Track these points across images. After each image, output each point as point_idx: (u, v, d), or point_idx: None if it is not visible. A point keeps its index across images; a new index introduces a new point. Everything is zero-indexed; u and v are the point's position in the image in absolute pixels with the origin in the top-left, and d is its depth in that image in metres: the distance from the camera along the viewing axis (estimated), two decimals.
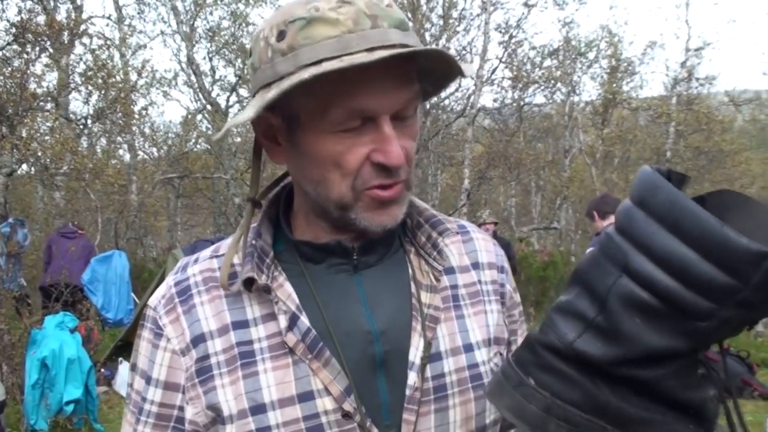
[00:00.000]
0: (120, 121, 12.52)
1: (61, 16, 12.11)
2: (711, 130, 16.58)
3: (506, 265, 1.20)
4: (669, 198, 0.71)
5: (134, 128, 14.51)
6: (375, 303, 1.01)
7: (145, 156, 18.23)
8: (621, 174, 18.63)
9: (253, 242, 1.01)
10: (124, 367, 7.47)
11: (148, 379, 1.01)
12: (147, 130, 17.20)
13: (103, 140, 16.62)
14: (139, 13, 16.95)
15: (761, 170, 18.17)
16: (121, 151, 17.20)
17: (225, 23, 17.22)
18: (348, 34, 0.88)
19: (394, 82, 0.91)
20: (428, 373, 0.99)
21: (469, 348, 1.05)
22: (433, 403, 0.99)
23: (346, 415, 0.95)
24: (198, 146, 17.56)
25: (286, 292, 0.99)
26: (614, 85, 18.13)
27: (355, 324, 0.99)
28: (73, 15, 12.34)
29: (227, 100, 17.84)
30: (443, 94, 18.23)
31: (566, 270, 14.62)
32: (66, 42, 11.62)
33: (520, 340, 1.14)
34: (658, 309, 0.72)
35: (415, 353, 0.99)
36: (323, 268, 1.02)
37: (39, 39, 10.41)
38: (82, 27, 12.04)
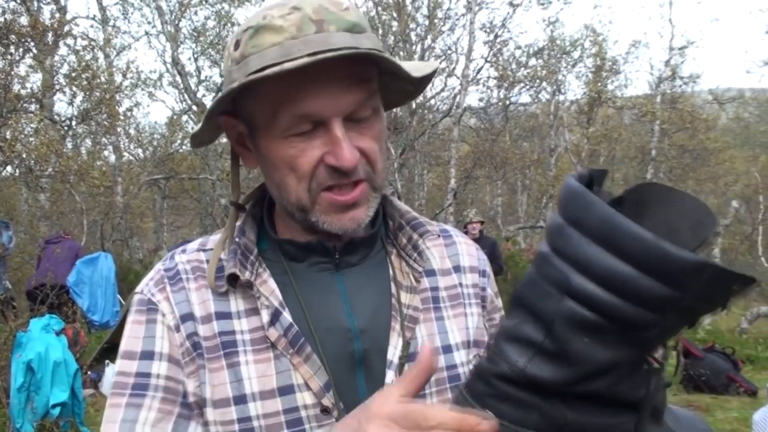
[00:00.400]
0: (105, 123, 12.47)
1: (44, 17, 12.04)
2: (695, 129, 16.69)
3: (488, 270, 1.21)
4: (602, 216, 0.71)
5: (119, 129, 14.46)
6: (355, 301, 1.03)
7: (131, 157, 18.15)
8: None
9: (237, 240, 1.03)
10: (110, 370, 7.43)
11: (150, 355, 0.99)
12: (132, 132, 17.15)
13: (88, 141, 16.53)
14: (123, 13, 16.89)
15: (745, 168, 18.28)
16: (106, 153, 17.10)
17: (210, 23, 17.20)
18: (290, 40, 0.89)
19: (341, 85, 0.91)
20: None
21: (447, 349, 1.07)
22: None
23: (325, 411, 0.96)
24: (184, 147, 17.48)
25: (269, 288, 1.01)
26: (599, 84, 18.20)
27: (335, 321, 1.00)
28: (56, 16, 12.27)
29: (213, 101, 17.81)
30: (429, 93, 18.25)
31: None
32: (50, 43, 11.56)
33: None
34: (604, 326, 0.73)
35: (394, 352, 1.01)
36: (305, 267, 1.04)
37: (23, 40, 10.35)
38: (66, 28, 11.97)
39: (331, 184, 0.95)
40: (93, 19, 14.98)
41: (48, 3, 12.72)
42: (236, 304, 1.01)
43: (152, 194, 18.83)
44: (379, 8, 15.03)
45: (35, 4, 12.03)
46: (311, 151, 0.93)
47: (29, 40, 10.74)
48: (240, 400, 0.96)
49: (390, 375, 1.00)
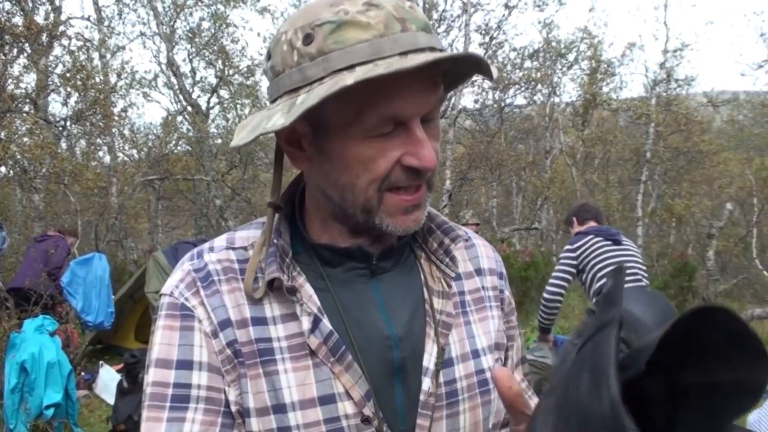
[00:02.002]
0: (100, 123, 12.43)
1: (39, 17, 12.00)
2: (690, 131, 16.73)
3: (504, 271, 1.22)
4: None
5: (114, 130, 14.41)
6: (391, 308, 1.02)
7: (125, 158, 18.10)
8: (601, 175, 18.75)
9: (275, 241, 1.00)
10: (104, 371, 7.42)
11: (188, 364, 0.95)
12: (127, 132, 17.09)
13: (83, 142, 16.50)
14: (118, 14, 16.85)
15: (739, 170, 18.31)
16: (100, 153, 17.07)
17: (205, 24, 17.16)
18: (380, 38, 0.87)
19: (425, 86, 0.91)
20: (441, 379, 1.01)
21: (476, 354, 1.07)
22: (445, 409, 1.01)
23: (366, 420, 0.95)
24: (178, 148, 17.46)
25: (307, 293, 0.99)
26: (594, 86, 18.23)
27: (374, 329, 0.99)
28: (51, 16, 12.23)
29: (208, 102, 17.78)
30: None
31: (547, 270, 14.68)
32: (44, 43, 11.52)
33: (515, 345, 1.19)
34: None
35: (430, 359, 1.00)
36: (340, 272, 1.02)
37: (17, 40, 10.32)
38: (61, 28, 11.92)
39: (400, 186, 0.94)
40: (88, 19, 14.94)
41: (43, 3, 12.68)
42: (271, 309, 0.98)
43: (147, 195, 18.79)
44: None
45: (30, 4, 12.00)
46: (391, 151, 0.92)
47: (23, 40, 10.71)
48: (279, 409, 0.94)
49: (426, 382, 0.99)
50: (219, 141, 17.72)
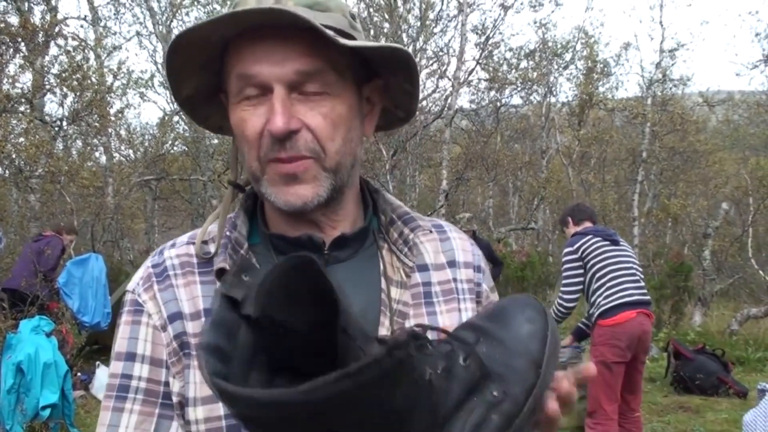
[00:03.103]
0: (96, 123, 12.41)
1: (35, 17, 11.99)
2: (685, 131, 16.76)
3: (483, 265, 1.20)
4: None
5: (110, 130, 14.39)
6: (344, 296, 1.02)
7: (122, 158, 18.09)
8: (597, 174, 18.77)
9: (228, 234, 1.03)
10: (101, 371, 7.42)
11: (132, 357, 1.00)
12: (123, 132, 17.06)
13: (79, 142, 16.46)
14: (114, 14, 16.83)
15: (734, 170, 18.35)
16: (97, 154, 17.04)
17: None
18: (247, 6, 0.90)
19: (284, 51, 0.92)
20: None
21: None
22: None
23: None
24: (175, 148, 17.44)
25: None
26: (590, 86, 18.26)
27: None
28: (47, 16, 12.22)
29: None
30: (420, 95, 18.22)
31: (543, 270, 14.71)
32: (40, 43, 11.49)
33: None
34: None
35: None
36: None
37: (13, 40, 10.30)
38: (57, 28, 11.90)
39: (275, 157, 0.94)
40: (84, 19, 14.91)
41: (38, 3, 12.66)
42: None
43: (143, 195, 18.77)
44: (371, 9, 15.04)
45: (26, 4, 11.98)
46: (256, 118, 0.94)
47: (19, 40, 10.68)
48: None
49: None
50: (215, 141, 17.70)
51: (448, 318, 1.09)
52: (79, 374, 7.33)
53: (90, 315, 7.90)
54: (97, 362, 7.72)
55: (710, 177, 18.29)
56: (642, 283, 5.00)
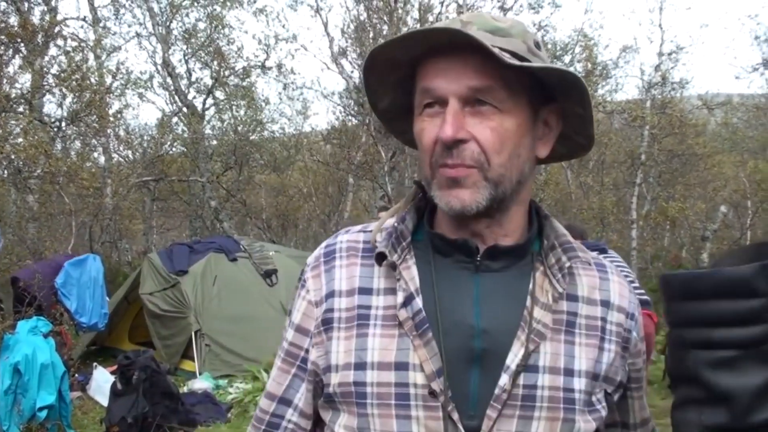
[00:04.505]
0: (95, 124, 12.41)
1: (35, 17, 12.00)
2: (684, 134, 16.76)
3: (637, 314, 1.23)
4: (681, 280, 0.92)
5: (109, 131, 14.38)
6: (486, 304, 1.09)
7: (120, 159, 18.07)
8: (596, 177, 18.77)
9: (395, 225, 1.15)
10: (98, 372, 7.41)
11: (289, 322, 1.20)
12: (122, 133, 17.05)
13: (78, 143, 16.46)
14: (114, 14, 16.83)
15: (733, 173, 18.38)
16: (95, 154, 17.03)
17: (201, 25, 17.15)
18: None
19: (460, 66, 1.03)
20: (521, 381, 1.06)
21: (569, 372, 1.09)
22: (518, 409, 1.06)
23: (432, 393, 1.04)
24: (174, 149, 17.43)
25: (410, 274, 1.11)
26: (589, 88, 18.25)
27: (461, 317, 1.08)
28: (47, 17, 12.22)
29: (203, 103, 17.76)
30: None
31: None
32: (40, 44, 11.49)
33: (638, 388, 1.26)
34: (731, 357, 0.86)
35: (513, 359, 1.06)
36: (449, 262, 1.12)
37: (12, 40, 10.30)
38: (57, 29, 11.91)
39: (443, 162, 1.05)
40: (84, 20, 14.91)
41: (38, 3, 12.67)
42: (378, 282, 1.13)
43: (142, 196, 18.75)
44: (370, 11, 15.04)
45: (25, 4, 11.98)
46: (432, 127, 1.06)
47: (19, 40, 10.69)
48: (360, 366, 1.08)
49: (504, 378, 1.05)
50: (214, 142, 17.70)
51: (585, 351, 1.11)
52: (76, 375, 7.32)
53: (87, 316, 7.90)
54: (95, 363, 7.71)
55: (709, 180, 18.29)
56: (637, 283, 5.01)
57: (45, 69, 11.99)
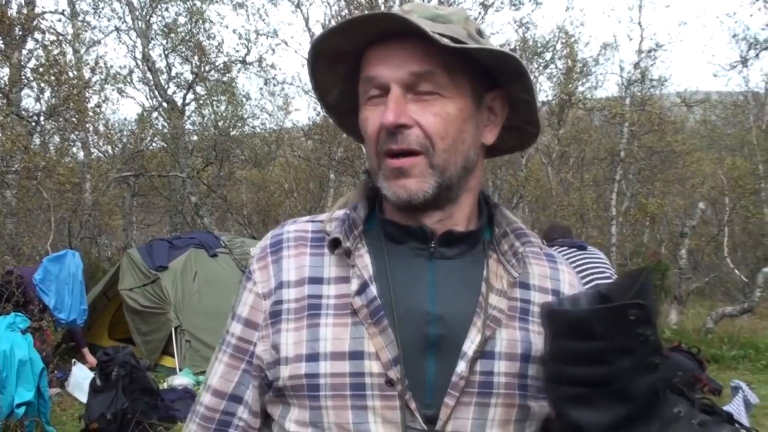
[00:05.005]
0: (73, 119, 12.30)
1: (12, 10, 11.86)
2: (663, 131, 16.87)
3: None
4: (555, 314, 0.93)
5: (88, 126, 14.25)
6: (442, 291, 1.09)
7: (100, 154, 17.92)
8: (576, 173, 18.86)
9: (347, 213, 1.14)
10: (77, 369, 7.36)
11: (234, 315, 1.17)
12: (101, 128, 16.90)
13: (56, 138, 16.30)
14: (93, 8, 16.68)
15: (711, 170, 18.53)
16: (74, 149, 16.86)
17: (181, 20, 17.03)
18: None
19: (402, 53, 1.03)
20: (478, 367, 1.06)
21: (525, 358, 1.10)
22: (475, 396, 1.06)
23: (389, 382, 1.03)
24: (154, 144, 17.31)
25: (364, 261, 1.10)
26: (570, 85, 18.34)
27: (417, 304, 1.07)
28: (24, 10, 12.09)
29: (184, 98, 17.64)
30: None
31: None
32: (17, 37, 11.37)
33: None
34: (585, 394, 0.89)
35: (470, 345, 1.05)
36: (403, 249, 1.12)
37: None
38: (34, 22, 11.78)
39: (384, 149, 1.05)
40: (62, 13, 14.77)
41: None
42: (329, 270, 1.12)
43: (121, 192, 18.61)
44: (351, 7, 15.02)
45: None
46: (376, 115, 1.06)
47: None
48: (312, 357, 1.05)
49: (461, 365, 1.04)
50: (195, 137, 17.59)
51: (539, 339, 1.10)
52: (55, 372, 7.26)
53: (66, 312, 7.84)
54: (73, 360, 7.66)
55: (687, 177, 18.43)
56: (613, 279, 5.05)
57: (23, 63, 11.87)
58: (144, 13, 16.75)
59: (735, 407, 4.44)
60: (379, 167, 1.08)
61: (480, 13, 15.54)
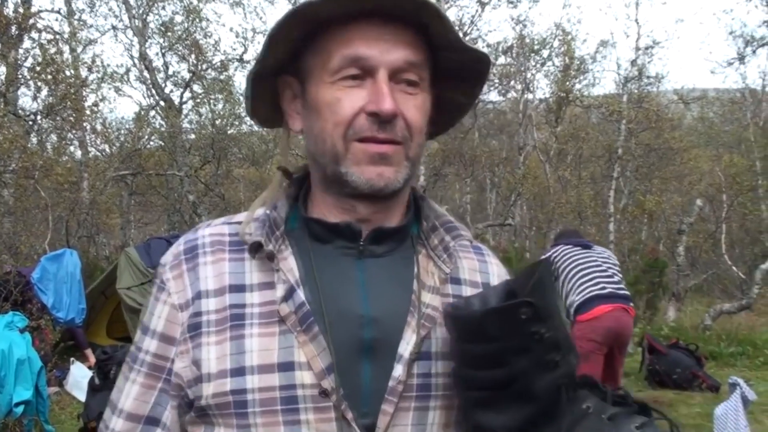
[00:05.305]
0: (70, 118, 12.28)
1: (8, 9, 11.83)
2: (661, 128, 16.89)
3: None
4: (451, 317, 0.94)
5: (85, 124, 14.23)
6: (373, 291, 1.02)
7: (97, 153, 17.91)
8: (574, 171, 18.87)
9: (268, 212, 1.05)
10: (75, 368, 7.36)
11: (146, 330, 1.05)
12: (99, 127, 16.88)
13: (54, 137, 16.28)
14: (89, 6, 16.65)
15: (709, 167, 18.54)
16: (72, 148, 16.86)
17: (178, 18, 17.00)
18: None
19: (392, 37, 0.96)
20: (415, 370, 1.00)
21: None
22: (414, 400, 1.00)
23: (323, 393, 0.96)
24: (151, 143, 17.30)
25: (288, 264, 1.02)
26: (567, 83, 18.35)
27: (348, 306, 1.00)
28: (21, 9, 12.06)
29: (181, 96, 17.62)
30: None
31: (520, 266, 14.76)
32: (14, 36, 11.35)
33: None
34: (490, 396, 0.88)
35: (406, 347, 1.00)
36: (330, 249, 1.04)
37: None
38: (31, 21, 11.76)
39: (366, 136, 0.97)
40: (58, 12, 14.75)
41: None
42: (251, 276, 1.02)
43: (119, 190, 18.60)
44: None
45: None
46: (356, 97, 0.96)
47: None
48: (238, 372, 0.96)
49: (398, 369, 0.98)
50: (192, 136, 17.57)
51: None
52: (54, 371, 7.26)
53: (64, 311, 7.83)
54: (72, 359, 7.65)
55: (685, 174, 18.45)
56: (617, 278, 5.06)
57: (19, 62, 11.84)
58: (141, 11, 16.72)
59: (733, 404, 4.44)
60: (347, 151, 0.98)
61: (477, 10, 15.53)
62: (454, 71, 1.05)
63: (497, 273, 1.19)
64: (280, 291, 0.99)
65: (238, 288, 1.01)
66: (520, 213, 21.51)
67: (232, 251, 1.05)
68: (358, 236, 1.04)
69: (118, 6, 17.11)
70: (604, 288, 4.89)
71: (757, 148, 18.68)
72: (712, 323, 11.44)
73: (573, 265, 5.05)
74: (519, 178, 17.45)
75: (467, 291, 1.11)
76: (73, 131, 14.52)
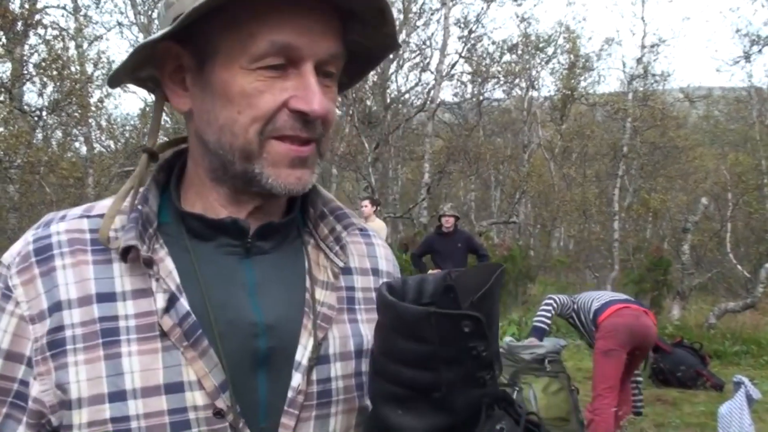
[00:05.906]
0: (76, 114, 12.31)
1: (14, 5, 11.86)
2: (666, 126, 16.88)
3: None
4: (387, 305, 0.81)
5: (91, 120, 14.27)
6: (264, 293, 0.91)
7: (102, 149, 17.95)
8: (579, 169, 18.86)
9: (140, 207, 0.88)
10: None
11: None
12: (104, 123, 16.93)
13: (59, 133, 16.33)
14: (95, 3, 16.67)
15: (714, 165, 18.52)
16: (77, 144, 16.90)
17: None
18: None
19: (322, 28, 0.85)
20: (314, 376, 0.91)
21: (359, 354, 0.97)
22: (315, 409, 0.91)
23: (218, 413, 0.84)
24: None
25: (166, 268, 0.87)
26: (572, 80, 18.33)
27: (239, 314, 0.88)
28: (27, 5, 12.09)
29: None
30: (403, 88, 18.21)
31: (524, 264, 14.77)
32: (20, 32, 11.38)
33: None
34: (406, 396, 0.82)
35: (303, 353, 0.90)
36: (211, 248, 0.91)
37: None
38: (37, 17, 11.79)
39: (287, 134, 0.85)
40: (64, 8, 14.75)
41: None
42: (122, 282, 0.86)
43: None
44: None
45: None
46: (279, 90, 0.84)
47: None
48: (117, 396, 0.82)
49: (297, 378, 0.89)
50: None
51: (369, 328, 0.97)
52: None
53: None
54: None
55: (690, 172, 18.44)
56: (624, 296, 5.48)
57: (25, 58, 11.87)
58: (146, 8, 16.75)
59: (737, 403, 4.44)
60: (262, 150, 0.85)
61: (482, 8, 15.55)
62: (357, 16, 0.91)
63: (384, 255, 1.09)
64: (160, 301, 0.84)
65: (107, 297, 0.85)
66: (525, 211, 21.50)
67: (95, 252, 0.88)
68: (247, 233, 0.91)
69: (123, 2, 17.19)
70: (614, 295, 5.26)
71: (762, 146, 18.62)
72: (717, 322, 11.43)
73: (587, 293, 5.36)
74: (523, 175, 17.45)
75: (358, 280, 1.02)
76: (79, 127, 14.57)
